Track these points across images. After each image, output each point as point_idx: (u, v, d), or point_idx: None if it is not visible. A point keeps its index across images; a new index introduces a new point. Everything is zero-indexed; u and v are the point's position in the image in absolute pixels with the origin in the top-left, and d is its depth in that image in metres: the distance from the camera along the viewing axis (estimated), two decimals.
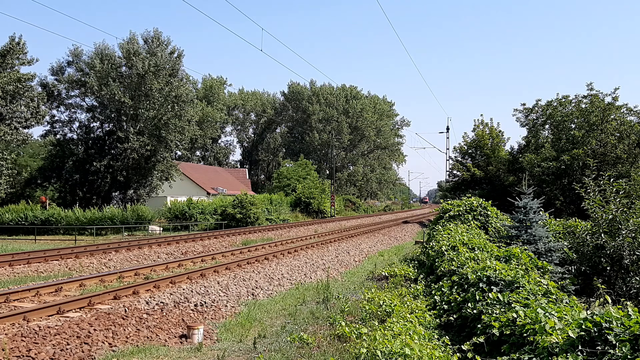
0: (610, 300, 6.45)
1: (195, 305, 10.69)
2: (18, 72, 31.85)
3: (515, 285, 8.98)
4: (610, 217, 13.64)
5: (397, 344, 6.40)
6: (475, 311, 8.62)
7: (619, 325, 5.43)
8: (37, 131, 71.69)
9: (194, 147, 70.28)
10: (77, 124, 41.16)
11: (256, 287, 13.09)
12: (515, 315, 7.17)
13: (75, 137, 40.85)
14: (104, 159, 36.77)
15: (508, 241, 15.75)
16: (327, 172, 78.73)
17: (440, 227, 20.15)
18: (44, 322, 8.54)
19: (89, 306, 9.86)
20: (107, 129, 40.40)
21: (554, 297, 8.58)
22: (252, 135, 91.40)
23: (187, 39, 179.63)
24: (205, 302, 10.96)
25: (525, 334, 6.62)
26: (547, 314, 6.68)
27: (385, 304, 9.56)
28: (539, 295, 8.50)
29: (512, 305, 7.94)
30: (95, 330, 8.31)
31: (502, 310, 8.07)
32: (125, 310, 9.51)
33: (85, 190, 38.93)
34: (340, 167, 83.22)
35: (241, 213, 35.73)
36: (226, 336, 8.80)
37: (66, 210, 32.55)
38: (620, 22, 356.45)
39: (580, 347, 5.51)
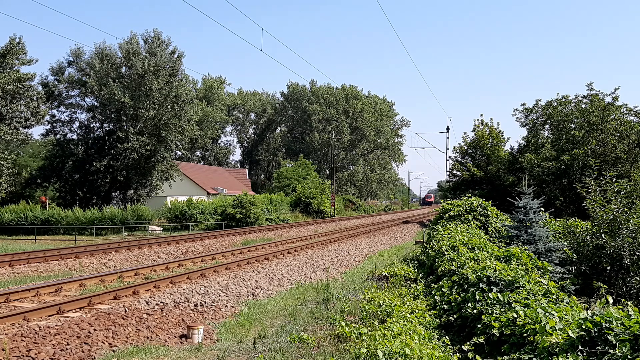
0: (611, 300, 6.45)
1: (195, 305, 10.69)
2: (18, 72, 31.86)
3: (515, 285, 8.98)
4: (611, 217, 13.64)
5: (397, 344, 6.39)
6: (475, 311, 8.62)
7: (619, 325, 5.43)
8: (37, 131, 71.71)
9: (194, 147, 70.28)
10: (77, 124, 41.16)
11: (256, 287, 13.09)
12: (515, 315, 7.17)
13: (75, 137, 40.84)
14: (104, 159, 36.75)
15: (508, 241, 15.76)
16: (327, 172, 78.69)
17: (440, 227, 20.15)
18: (44, 322, 8.54)
19: (89, 306, 9.85)
20: (107, 129, 40.39)
21: (554, 297, 8.58)
22: (252, 135, 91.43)
23: (187, 39, 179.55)
24: (205, 302, 10.96)
25: (525, 334, 6.62)
26: (547, 314, 6.68)
27: (385, 304, 9.56)
28: (539, 295, 8.50)
29: (512, 305, 7.94)
30: (95, 330, 8.31)
31: (502, 310, 8.07)
32: (125, 310, 9.51)
33: (85, 190, 38.90)
34: (340, 167, 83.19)
35: (241, 213, 35.72)
36: (226, 336, 8.79)
37: (66, 210, 32.56)
38: (620, 22, 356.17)
39: (580, 347, 5.51)
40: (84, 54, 39.48)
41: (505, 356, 6.59)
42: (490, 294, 8.76)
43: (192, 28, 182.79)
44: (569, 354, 5.48)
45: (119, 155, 37.07)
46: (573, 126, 34.64)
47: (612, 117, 32.62)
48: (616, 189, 14.41)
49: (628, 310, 5.63)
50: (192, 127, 41.92)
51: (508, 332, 7.09)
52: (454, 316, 9.23)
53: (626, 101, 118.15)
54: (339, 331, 8.06)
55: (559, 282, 11.37)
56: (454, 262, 11.92)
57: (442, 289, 10.56)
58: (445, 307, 9.73)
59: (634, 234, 13.05)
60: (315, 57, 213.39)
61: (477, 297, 8.88)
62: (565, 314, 6.70)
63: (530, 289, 8.72)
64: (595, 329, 5.55)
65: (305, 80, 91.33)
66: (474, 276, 9.69)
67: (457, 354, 7.08)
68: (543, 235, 15.39)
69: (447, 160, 48.01)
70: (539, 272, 11.09)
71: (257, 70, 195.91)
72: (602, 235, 13.80)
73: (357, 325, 8.15)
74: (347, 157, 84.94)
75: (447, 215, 21.88)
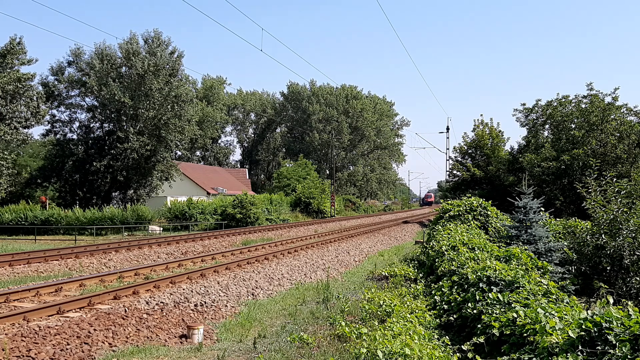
0: (611, 300, 6.46)
1: (195, 305, 10.69)
2: (18, 72, 31.86)
3: (515, 285, 8.99)
4: (611, 217, 13.64)
5: (397, 344, 6.39)
6: (475, 311, 8.62)
7: (619, 325, 5.43)
8: (37, 131, 71.63)
9: (194, 147, 70.29)
10: (77, 123, 41.20)
11: (256, 287, 13.09)
12: (515, 315, 7.17)
13: (75, 137, 40.86)
14: (104, 159, 36.76)
15: (508, 241, 15.76)
16: (327, 172, 78.71)
17: (440, 227, 20.15)
18: (44, 322, 8.54)
19: (89, 306, 9.86)
20: (107, 129, 40.41)
21: (554, 297, 8.58)
22: (252, 135, 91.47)
23: (187, 39, 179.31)
24: (205, 302, 10.96)
25: (525, 334, 6.62)
26: (547, 314, 6.68)
27: (385, 304, 9.56)
28: (539, 295, 8.50)
29: (512, 305, 7.94)
30: (95, 330, 8.31)
31: (502, 310, 8.07)
32: (125, 310, 9.51)
33: (85, 190, 38.91)
34: (340, 167, 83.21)
35: (241, 213, 35.73)
36: (226, 336, 8.79)
37: (66, 210, 32.56)
38: (620, 22, 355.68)
39: (580, 347, 5.51)
40: (84, 54, 39.54)
41: (505, 356, 6.59)
42: (490, 294, 8.76)
43: (192, 28, 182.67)
44: (569, 354, 5.48)
45: (119, 155, 37.08)
46: (573, 126, 34.64)
47: (612, 117, 32.62)
48: (616, 189, 14.41)
49: (628, 310, 5.63)
50: (192, 127, 41.92)
51: (508, 332, 7.09)
52: (454, 316, 9.23)
53: (626, 101, 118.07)
54: (339, 331, 8.06)
55: (559, 282, 11.37)
56: (454, 262, 11.92)
57: (442, 289, 10.56)
58: (445, 307, 9.73)
59: (634, 234, 13.05)
60: (315, 57, 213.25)
61: (477, 297, 8.88)
62: (565, 314, 6.70)
63: (530, 289, 8.72)
64: (595, 329, 5.55)
65: (305, 80, 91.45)
66: (474, 276, 9.69)
67: (457, 354, 7.08)
68: (543, 235, 15.40)
69: (447, 160, 48.04)
70: (539, 272, 11.09)
71: (257, 70, 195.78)
72: (602, 235, 13.79)
73: (357, 325, 8.15)
74: (347, 157, 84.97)
75: (447, 215, 21.88)
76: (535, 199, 16.91)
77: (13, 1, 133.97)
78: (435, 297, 10.50)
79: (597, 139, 32.29)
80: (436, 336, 8.25)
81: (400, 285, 12.90)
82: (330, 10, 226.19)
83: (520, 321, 6.88)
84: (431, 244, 16.98)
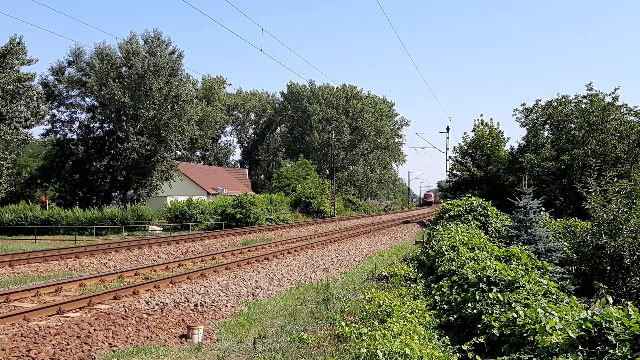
0: (611, 300, 6.45)
1: (195, 305, 10.69)
2: (18, 72, 31.86)
3: (515, 285, 8.99)
4: (611, 217, 13.64)
5: (397, 344, 6.39)
6: (475, 311, 8.62)
7: (619, 325, 5.43)
8: (37, 131, 71.58)
9: (194, 147, 70.30)
10: (77, 123, 41.23)
11: (256, 287, 13.09)
12: (515, 315, 7.17)
13: (75, 137, 40.88)
14: (104, 159, 36.77)
15: (508, 241, 15.76)
16: (327, 172, 78.70)
17: (440, 227, 20.15)
18: (44, 322, 8.54)
19: (89, 306, 9.86)
20: (107, 128, 40.42)
21: (554, 297, 8.59)
22: (252, 135, 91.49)
23: (187, 39, 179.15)
24: (205, 302, 10.96)
25: (525, 334, 6.62)
26: (547, 314, 6.68)
27: (385, 304, 9.56)
28: (539, 295, 8.51)
29: (512, 305, 7.94)
30: (95, 330, 8.31)
31: (502, 310, 8.07)
32: (125, 310, 9.51)
33: (85, 190, 38.92)
34: (340, 167, 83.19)
35: (241, 213, 35.73)
36: (226, 336, 8.79)
37: (66, 210, 32.58)
38: (620, 22, 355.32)
39: (580, 347, 5.51)
40: (84, 54, 39.57)
41: (505, 356, 6.59)
42: (490, 294, 8.77)
43: (192, 28, 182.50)
44: (569, 354, 5.48)
45: (119, 155, 37.09)
46: (573, 126, 34.66)
47: (612, 117, 32.64)
48: (616, 189, 14.41)
49: (628, 310, 5.63)
50: (192, 127, 41.94)
51: (508, 332, 7.09)
52: (454, 316, 9.23)
53: (626, 101, 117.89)
54: (339, 331, 8.06)
55: (559, 282, 11.37)
56: (454, 262, 11.92)
57: (442, 289, 10.56)
58: (445, 307, 9.73)
59: (634, 234, 13.06)
60: (315, 57, 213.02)
61: (477, 297, 8.88)
62: (565, 314, 6.70)
63: (530, 289, 8.72)
64: (595, 329, 5.55)
65: (305, 80, 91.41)
66: (474, 276, 9.69)
67: (457, 354, 7.08)
68: (543, 235, 15.40)
69: (447, 160, 48.05)
70: (539, 272, 11.09)
71: (257, 70, 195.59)
72: (602, 235, 13.79)
73: (357, 325, 8.15)
74: (347, 157, 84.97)
75: (447, 215, 21.88)
76: (535, 199, 16.90)
77: (13, 1, 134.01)
78: (435, 297, 10.50)
79: (597, 139, 32.30)
80: (436, 336, 8.25)
81: (400, 285, 12.89)
82: (330, 10, 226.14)
83: (520, 321, 6.89)
84: (431, 244, 16.97)
